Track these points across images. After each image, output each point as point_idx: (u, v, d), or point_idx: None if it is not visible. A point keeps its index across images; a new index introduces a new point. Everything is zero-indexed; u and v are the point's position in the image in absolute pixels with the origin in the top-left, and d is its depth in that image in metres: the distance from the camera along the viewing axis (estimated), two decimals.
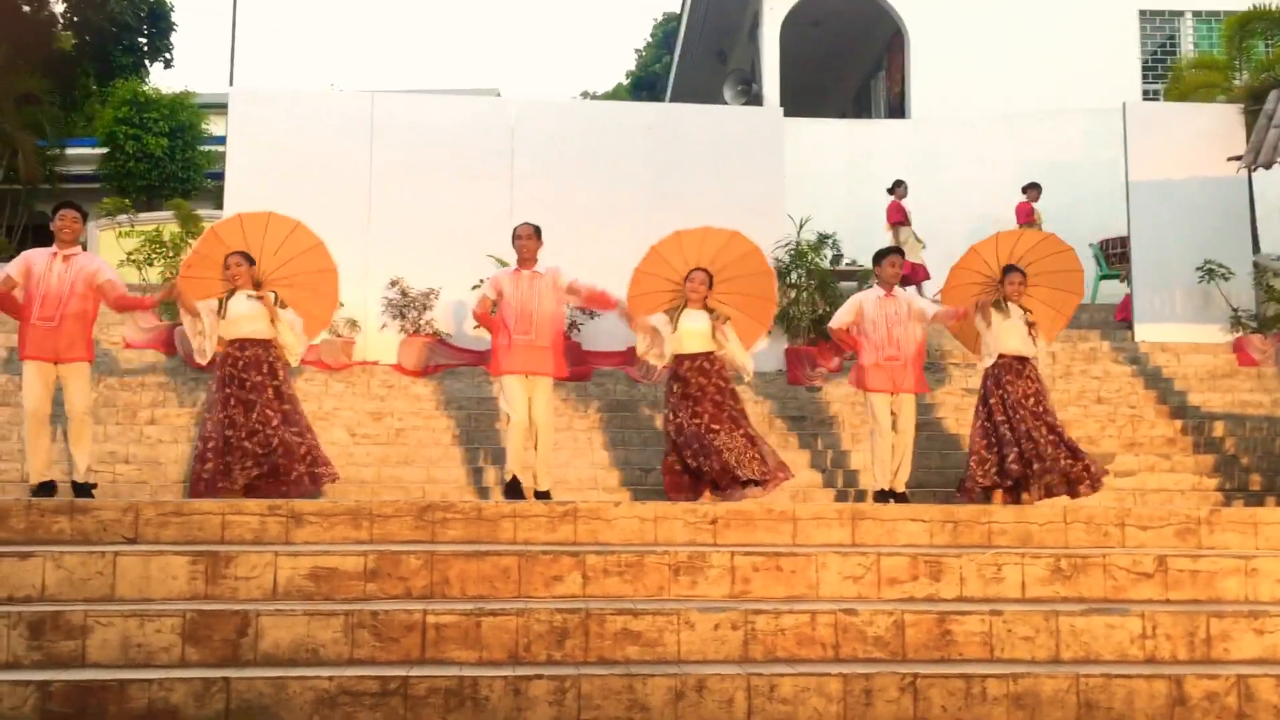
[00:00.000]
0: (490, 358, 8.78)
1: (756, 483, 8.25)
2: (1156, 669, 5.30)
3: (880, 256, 9.16)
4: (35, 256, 8.02)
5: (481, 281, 9.34)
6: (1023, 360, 8.61)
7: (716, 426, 8.31)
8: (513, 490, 8.32)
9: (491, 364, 8.72)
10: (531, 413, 8.46)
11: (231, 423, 7.98)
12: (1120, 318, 13.85)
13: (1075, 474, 8.33)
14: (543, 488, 8.44)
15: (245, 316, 8.25)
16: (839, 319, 9.08)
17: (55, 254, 8.00)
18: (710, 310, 8.63)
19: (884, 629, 5.50)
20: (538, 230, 8.71)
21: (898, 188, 15.45)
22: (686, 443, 8.32)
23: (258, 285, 8.44)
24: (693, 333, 8.53)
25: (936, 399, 10.93)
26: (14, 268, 7.93)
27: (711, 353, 8.54)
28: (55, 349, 7.87)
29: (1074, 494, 8.37)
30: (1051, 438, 8.35)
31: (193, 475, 8.07)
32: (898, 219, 15.32)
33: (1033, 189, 15.40)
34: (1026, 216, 15.20)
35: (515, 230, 8.78)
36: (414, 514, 6.50)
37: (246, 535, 6.32)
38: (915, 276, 15.01)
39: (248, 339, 8.21)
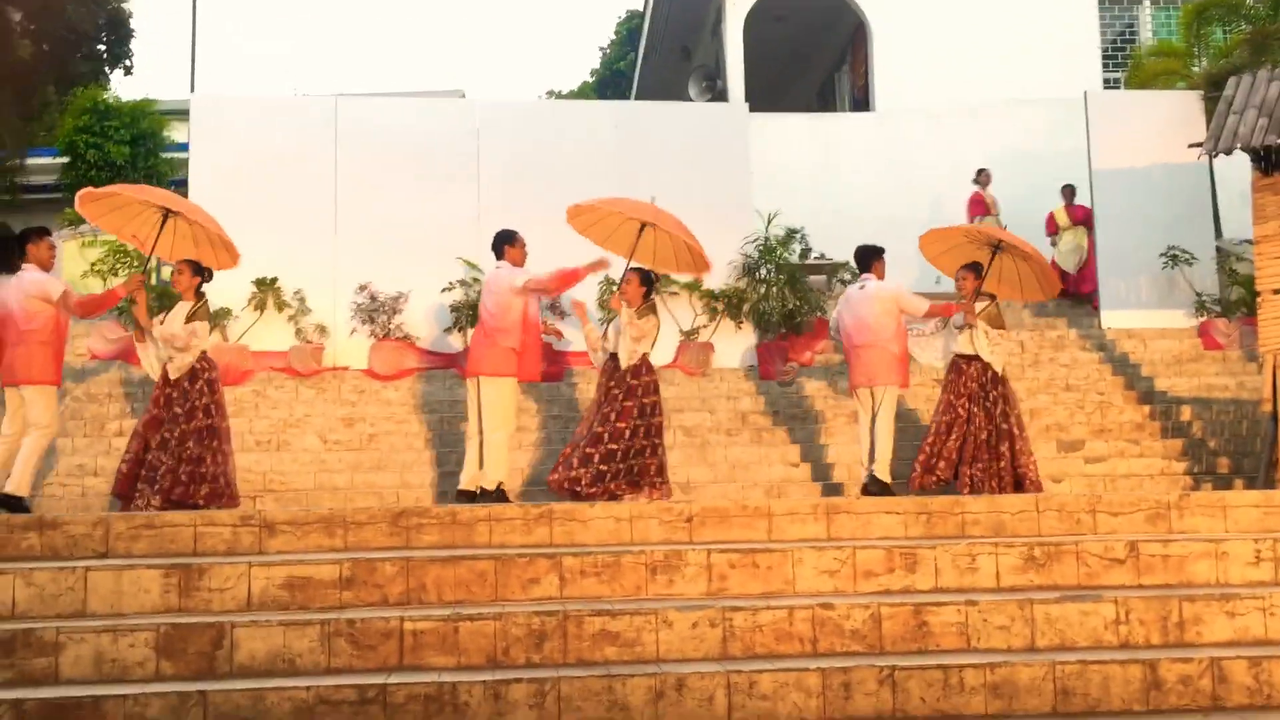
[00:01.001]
0: (533, 362, 8.59)
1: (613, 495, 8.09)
2: (1131, 654, 5.35)
3: (879, 254, 9.22)
4: None
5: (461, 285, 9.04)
6: (967, 359, 8.78)
7: (598, 429, 8.25)
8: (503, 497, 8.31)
9: (538, 369, 8.67)
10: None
11: (143, 439, 7.96)
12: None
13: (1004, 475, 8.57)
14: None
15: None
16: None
17: None
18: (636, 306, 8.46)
19: (861, 622, 5.52)
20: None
21: (980, 175, 15.12)
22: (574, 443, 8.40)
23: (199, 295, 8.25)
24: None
25: (910, 389, 10.95)
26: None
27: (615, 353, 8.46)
28: None
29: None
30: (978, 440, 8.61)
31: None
32: (977, 212, 14.93)
33: (983, 174, 15.21)
34: (981, 207, 15.01)
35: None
36: (388, 520, 6.47)
37: (219, 546, 6.27)
38: None
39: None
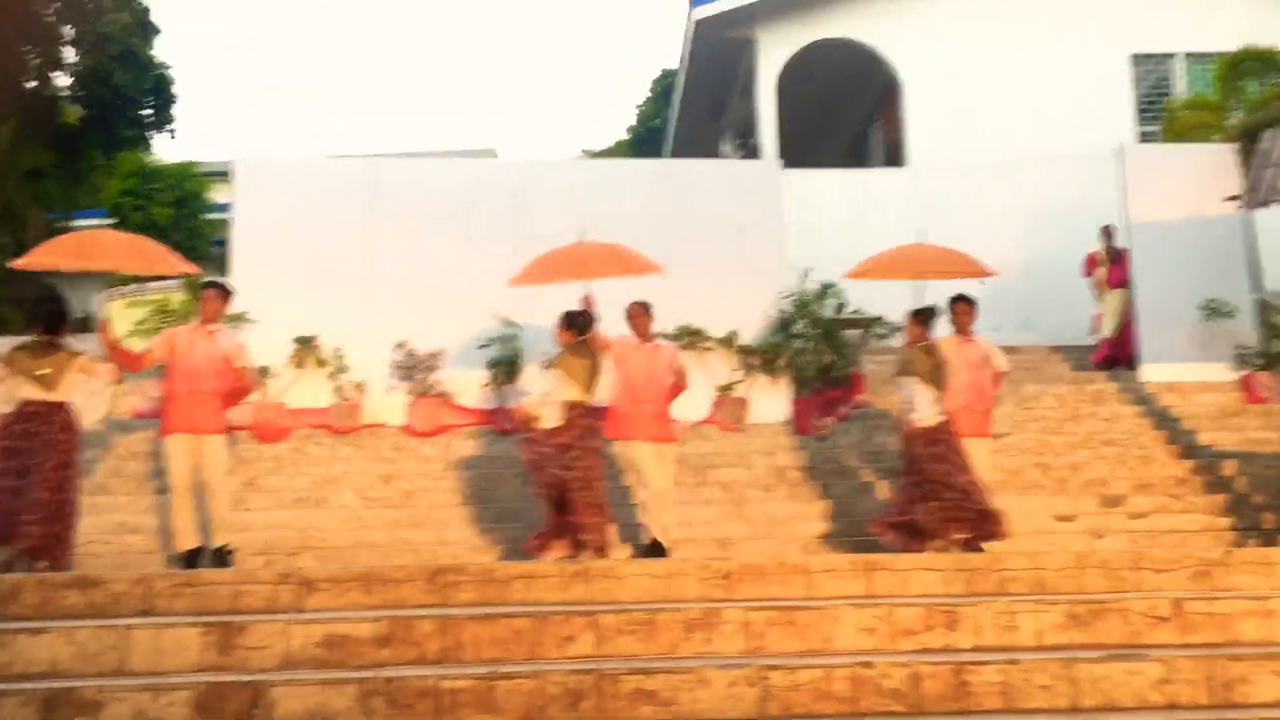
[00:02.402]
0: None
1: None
2: (1177, 715, 5.24)
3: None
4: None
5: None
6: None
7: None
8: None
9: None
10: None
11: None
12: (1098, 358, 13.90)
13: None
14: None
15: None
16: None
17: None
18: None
19: (900, 681, 5.45)
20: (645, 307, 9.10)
21: (1101, 231, 14.26)
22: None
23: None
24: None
25: None
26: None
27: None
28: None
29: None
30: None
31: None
32: (1088, 271, 14.38)
33: (1104, 230, 14.24)
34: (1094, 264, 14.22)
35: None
36: (425, 577, 6.48)
37: (258, 604, 6.30)
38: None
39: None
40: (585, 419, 8.56)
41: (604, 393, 8.92)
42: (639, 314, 9.01)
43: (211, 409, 8.51)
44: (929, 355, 8.83)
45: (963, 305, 9.21)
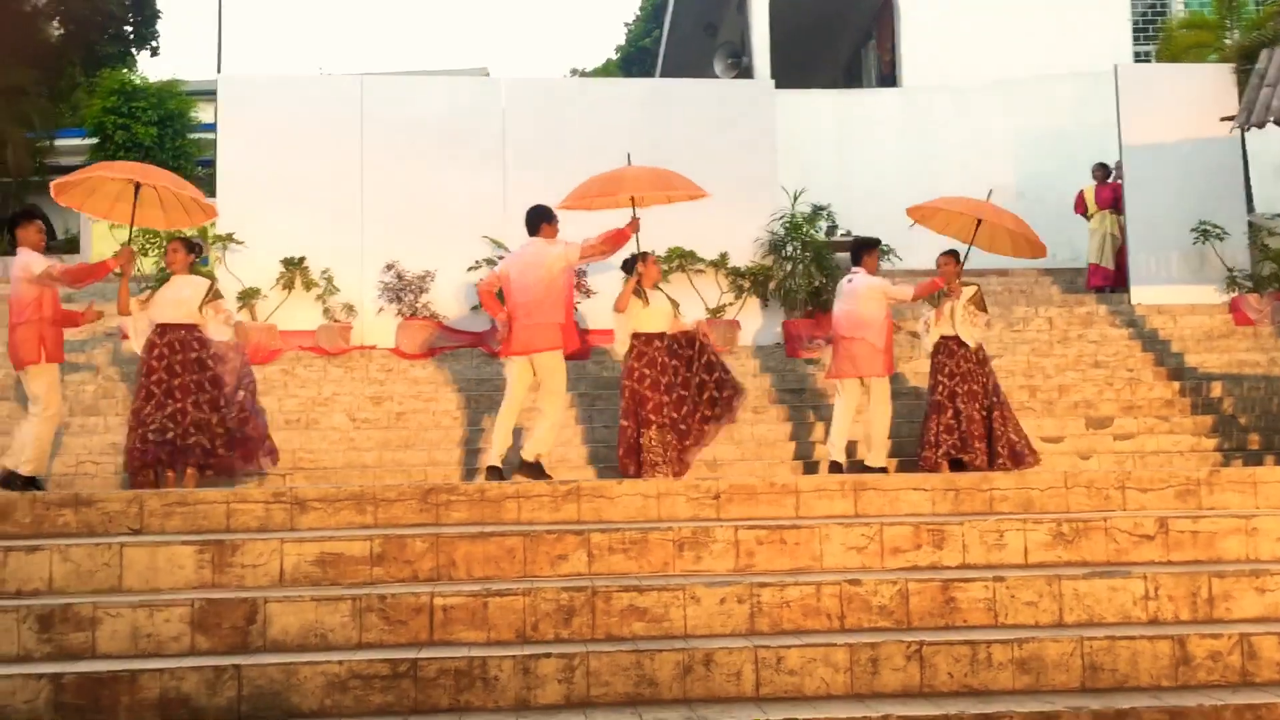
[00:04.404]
0: (573, 336, 8.60)
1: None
2: (1160, 630, 5.33)
3: (870, 247, 9.64)
4: None
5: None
6: (956, 340, 9.11)
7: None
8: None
9: (577, 343, 8.79)
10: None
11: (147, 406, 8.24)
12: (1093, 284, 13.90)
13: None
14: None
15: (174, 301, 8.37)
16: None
17: None
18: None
19: (888, 598, 5.53)
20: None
21: (1094, 171, 14.15)
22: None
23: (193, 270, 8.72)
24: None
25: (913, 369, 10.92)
26: None
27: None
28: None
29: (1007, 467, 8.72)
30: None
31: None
32: (1079, 211, 14.21)
33: (1099, 168, 14.13)
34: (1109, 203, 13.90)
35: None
36: (418, 497, 6.52)
37: (252, 523, 6.34)
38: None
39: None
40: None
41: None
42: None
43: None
44: None
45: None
